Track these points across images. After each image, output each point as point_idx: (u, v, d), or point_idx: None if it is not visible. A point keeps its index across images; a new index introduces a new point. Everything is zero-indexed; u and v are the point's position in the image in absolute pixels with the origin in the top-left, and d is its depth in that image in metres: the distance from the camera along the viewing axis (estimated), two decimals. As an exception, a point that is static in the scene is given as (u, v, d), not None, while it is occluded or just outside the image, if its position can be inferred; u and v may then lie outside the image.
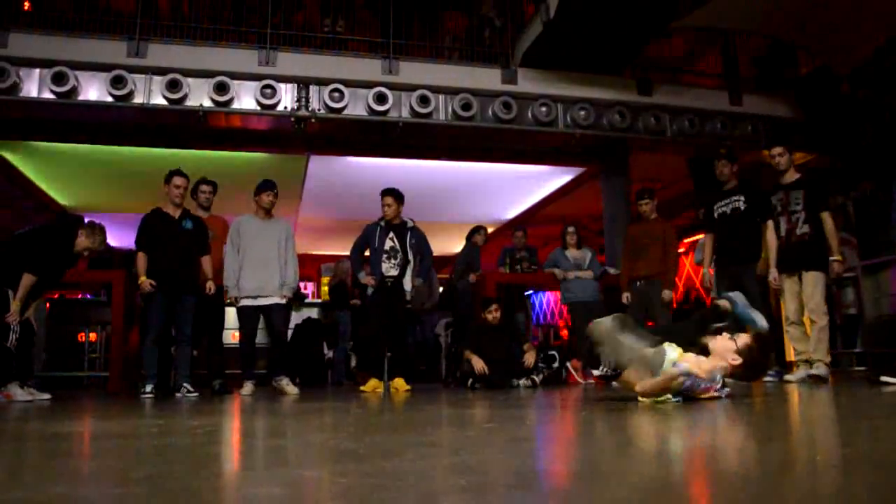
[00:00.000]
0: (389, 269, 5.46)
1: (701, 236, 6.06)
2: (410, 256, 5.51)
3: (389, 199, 5.51)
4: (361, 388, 5.38)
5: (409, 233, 5.57)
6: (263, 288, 5.23)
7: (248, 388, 5.18)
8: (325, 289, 8.93)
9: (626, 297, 5.98)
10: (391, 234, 5.51)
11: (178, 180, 5.20)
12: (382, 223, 5.56)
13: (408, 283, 5.50)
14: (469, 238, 7.58)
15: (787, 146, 5.01)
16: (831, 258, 4.65)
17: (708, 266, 5.37)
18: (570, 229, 6.70)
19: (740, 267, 5.04)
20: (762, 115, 7.41)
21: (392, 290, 5.44)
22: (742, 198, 5.15)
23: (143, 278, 5.01)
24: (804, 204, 4.77)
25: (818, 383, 4.43)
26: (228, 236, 5.34)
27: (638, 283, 5.90)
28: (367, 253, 5.63)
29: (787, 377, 4.80)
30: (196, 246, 5.28)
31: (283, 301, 5.33)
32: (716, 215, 5.26)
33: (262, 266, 5.24)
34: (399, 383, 5.35)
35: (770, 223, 4.97)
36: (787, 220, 4.85)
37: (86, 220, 5.07)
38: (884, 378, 3.85)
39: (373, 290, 5.48)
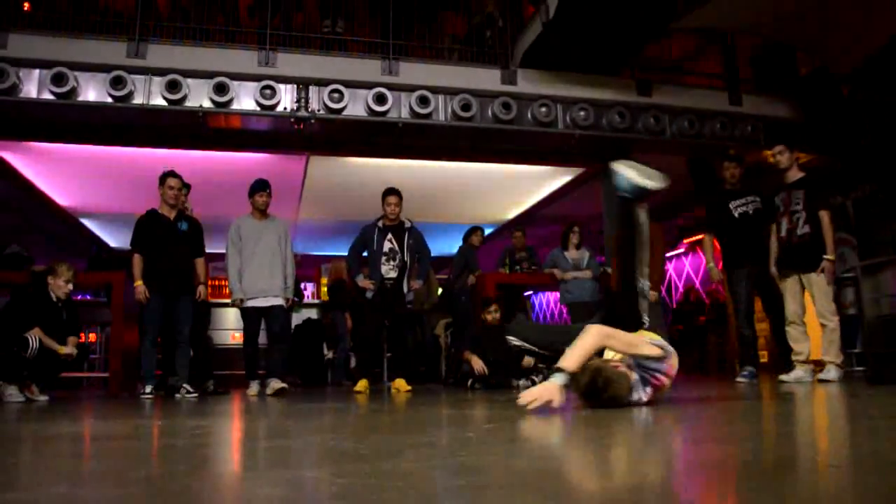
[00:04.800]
0: (389, 270, 5.45)
1: (702, 235, 6.06)
2: (408, 258, 5.50)
3: (395, 199, 5.48)
4: (355, 388, 5.40)
5: (406, 233, 5.55)
6: (267, 289, 5.26)
7: (253, 388, 5.18)
8: (325, 289, 8.93)
9: None
10: (389, 236, 5.49)
11: (171, 181, 5.21)
12: (380, 224, 5.54)
13: (406, 287, 5.49)
14: (466, 239, 7.60)
15: (786, 144, 4.98)
16: (824, 256, 4.64)
17: (711, 262, 5.40)
18: (575, 229, 6.72)
19: (762, 267, 5.03)
20: (762, 115, 7.40)
21: (392, 291, 5.43)
22: (758, 199, 5.16)
23: (138, 283, 5.02)
24: (804, 204, 4.76)
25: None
26: (228, 238, 5.34)
27: None
28: (364, 254, 5.63)
29: (782, 377, 4.80)
30: (192, 247, 5.29)
31: (285, 304, 5.37)
32: (736, 215, 5.23)
33: (265, 267, 5.27)
34: (400, 384, 5.35)
35: (773, 226, 4.98)
36: (788, 221, 4.83)
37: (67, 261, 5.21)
38: None
39: (372, 292, 5.48)
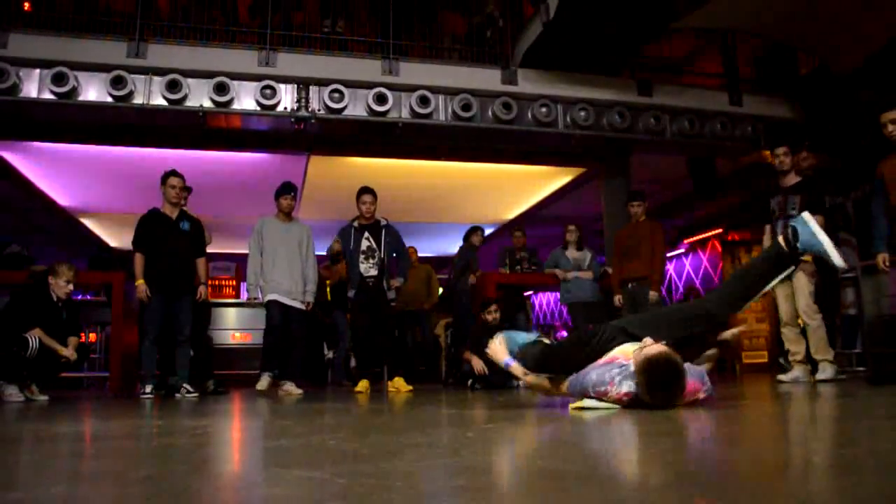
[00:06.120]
0: (368, 269, 5.47)
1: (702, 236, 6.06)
2: (385, 255, 5.52)
3: (370, 198, 5.53)
4: (355, 388, 5.41)
5: (383, 231, 5.57)
6: (291, 290, 5.29)
7: (264, 382, 5.17)
8: (327, 289, 8.94)
9: (618, 299, 6.00)
10: (367, 234, 5.52)
11: (173, 180, 5.22)
12: (356, 224, 5.57)
13: (386, 285, 5.49)
14: (466, 238, 7.60)
15: (789, 146, 4.96)
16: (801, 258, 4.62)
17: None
18: (571, 227, 6.72)
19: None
20: (762, 115, 7.41)
21: (373, 289, 5.45)
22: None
23: (140, 282, 5.02)
24: (800, 209, 4.74)
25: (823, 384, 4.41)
26: (252, 238, 5.37)
27: (630, 284, 5.92)
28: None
29: (780, 377, 4.80)
30: (193, 247, 5.29)
31: (305, 307, 5.40)
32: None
33: (286, 269, 5.30)
34: (399, 383, 5.35)
35: (767, 227, 4.95)
36: (783, 226, 4.81)
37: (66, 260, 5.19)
38: None
39: (354, 292, 5.49)
